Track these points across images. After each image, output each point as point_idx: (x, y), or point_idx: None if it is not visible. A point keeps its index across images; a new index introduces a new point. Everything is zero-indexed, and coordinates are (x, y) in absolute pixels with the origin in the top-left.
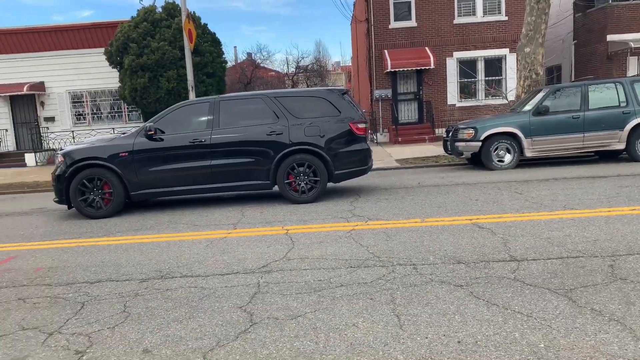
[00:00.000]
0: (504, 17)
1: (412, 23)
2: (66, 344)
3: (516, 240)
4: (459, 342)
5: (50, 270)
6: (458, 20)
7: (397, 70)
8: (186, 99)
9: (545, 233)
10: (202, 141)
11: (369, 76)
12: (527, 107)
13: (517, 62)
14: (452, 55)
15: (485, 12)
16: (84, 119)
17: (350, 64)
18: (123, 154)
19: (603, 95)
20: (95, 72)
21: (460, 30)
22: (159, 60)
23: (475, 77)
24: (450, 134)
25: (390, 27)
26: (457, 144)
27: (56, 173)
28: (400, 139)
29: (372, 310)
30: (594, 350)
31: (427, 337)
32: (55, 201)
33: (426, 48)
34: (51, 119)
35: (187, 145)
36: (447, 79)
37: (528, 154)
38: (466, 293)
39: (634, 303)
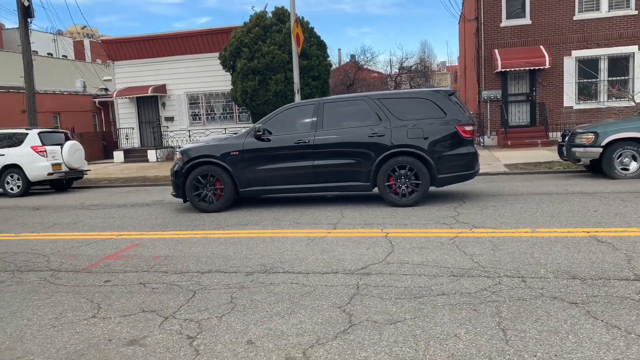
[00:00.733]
0: (633, 12)
1: (526, 20)
2: (179, 328)
3: None
4: None
5: (167, 259)
6: (579, 16)
7: (507, 70)
8: (292, 101)
9: None
10: (306, 142)
11: (477, 76)
12: None
13: None
14: (570, 54)
15: (611, 7)
16: (199, 119)
17: (457, 64)
18: (234, 153)
19: None
20: (210, 75)
21: (581, 27)
22: (268, 64)
23: (597, 78)
24: (566, 139)
25: (501, 25)
26: (575, 149)
27: (174, 169)
28: (509, 142)
29: (475, 322)
30: None
31: (535, 356)
32: (173, 195)
33: (541, 47)
34: (171, 119)
35: (292, 145)
36: (564, 79)
37: None
38: (582, 312)
39: None
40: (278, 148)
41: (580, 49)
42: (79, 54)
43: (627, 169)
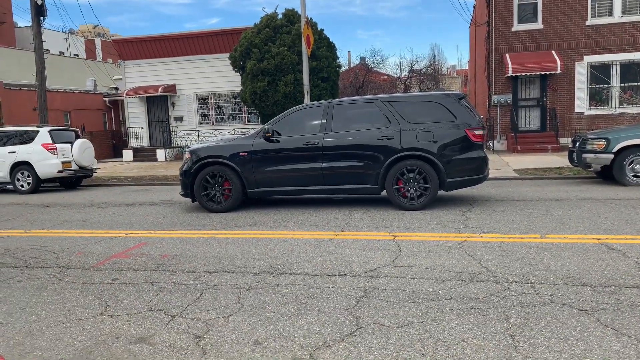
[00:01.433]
0: None
1: (538, 25)
2: (186, 327)
3: None
4: None
5: (174, 258)
6: (591, 21)
7: (518, 75)
8: (301, 103)
9: None
10: (314, 144)
11: (487, 80)
12: None
13: None
14: (582, 59)
15: (624, 12)
16: (208, 119)
17: (467, 68)
18: (243, 154)
19: None
20: (219, 76)
21: (593, 32)
22: (278, 65)
23: (609, 83)
24: (577, 144)
25: (512, 29)
26: (585, 155)
27: (183, 168)
28: (519, 147)
29: (483, 327)
30: None
31: None
32: (181, 194)
33: (552, 51)
34: (180, 119)
35: (301, 147)
36: (576, 84)
37: None
38: (591, 319)
39: None
40: (287, 149)
41: (592, 54)
42: (90, 53)
43: (639, 176)
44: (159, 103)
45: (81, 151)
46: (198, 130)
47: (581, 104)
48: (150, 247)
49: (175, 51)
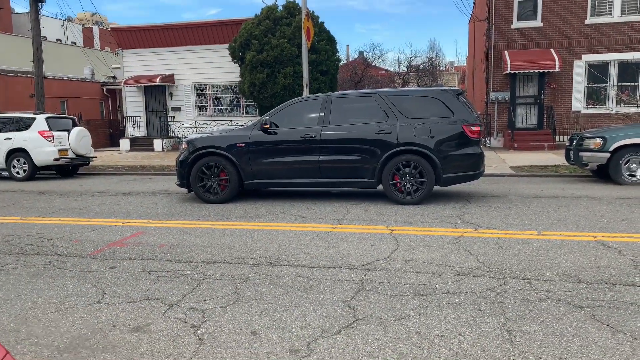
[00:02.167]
0: None
1: (537, 23)
2: (183, 317)
3: None
4: None
5: (172, 248)
6: (590, 20)
7: (517, 72)
8: (300, 95)
9: None
10: (312, 136)
11: (485, 77)
12: None
13: None
14: (580, 58)
15: (623, 12)
16: (206, 110)
17: (465, 64)
18: (240, 145)
19: None
20: (218, 66)
21: (592, 31)
22: (277, 57)
23: (607, 83)
24: (574, 143)
25: (512, 26)
26: (582, 153)
27: (180, 158)
28: (515, 144)
29: (480, 322)
30: None
31: (540, 358)
32: (177, 184)
33: (551, 49)
34: (177, 109)
35: (298, 139)
36: (574, 83)
37: None
38: (587, 315)
39: None
40: (284, 142)
41: (590, 53)
42: (88, 41)
43: (635, 175)
44: (156, 93)
45: (78, 139)
46: (195, 121)
47: (578, 102)
48: (147, 236)
49: (175, 41)
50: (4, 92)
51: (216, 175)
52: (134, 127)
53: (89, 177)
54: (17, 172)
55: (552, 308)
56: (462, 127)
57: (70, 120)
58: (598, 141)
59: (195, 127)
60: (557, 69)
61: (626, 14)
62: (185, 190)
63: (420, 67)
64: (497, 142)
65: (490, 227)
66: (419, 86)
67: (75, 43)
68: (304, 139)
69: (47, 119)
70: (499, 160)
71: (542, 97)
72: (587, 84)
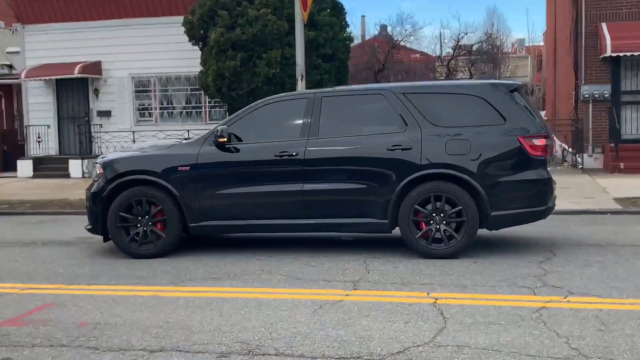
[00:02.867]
0: None
1: None
2: None
3: None
4: None
5: (97, 328)
6: None
7: (621, 54)
8: (292, 90)
9: None
10: (292, 154)
11: (574, 63)
12: None
13: None
14: None
15: None
16: (150, 115)
17: (542, 44)
18: (183, 168)
19: None
20: (168, 50)
21: None
22: (257, 35)
23: None
24: None
25: None
26: None
27: (91, 190)
28: (622, 164)
29: None
30: None
31: None
32: (88, 229)
33: None
34: (107, 114)
35: (272, 160)
36: None
37: None
38: None
39: None
40: (250, 163)
41: None
42: None
43: None
44: (75, 90)
45: None
46: (133, 132)
47: None
48: (60, 310)
49: (103, 12)
50: None
51: (149, 214)
52: (39, 142)
53: None
54: None
55: None
56: (519, 140)
57: None
58: None
59: (134, 140)
60: None
61: None
62: (101, 237)
63: (474, 48)
64: (594, 160)
65: (588, 294)
66: (471, 76)
67: None
68: (281, 159)
69: None
70: (596, 188)
71: None
72: None
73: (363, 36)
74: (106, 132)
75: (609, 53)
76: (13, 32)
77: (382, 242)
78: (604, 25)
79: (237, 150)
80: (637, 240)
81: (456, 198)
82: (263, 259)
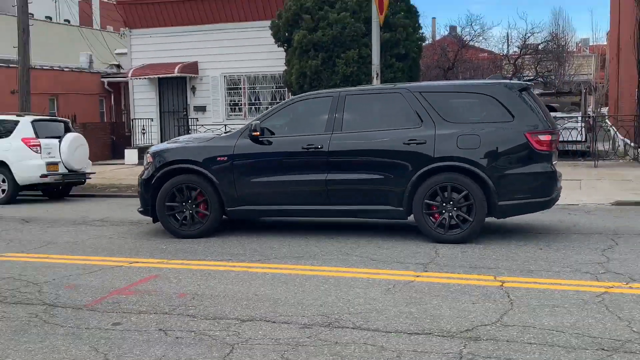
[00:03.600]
0: None
1: None
2: None
3: None
4: None
5: (195, 298)
6: None
7: None
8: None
9: None
10: (318, 147)
11: (636, 62)
12: None
13: None
14: None
15: None
16: (239, 110)
17: (606, 43)
18: (221, 159)
19: None
20: (256, 51)
21: None
22: (336, 37)
23: None
24: None
25: None
26: None
27: (143, 177)
28: None
29: None
30: None
31: None
32: (140, 211)
33: None
34: (202, 109)
35: (300, 151)
36: None
37: None
38: None
39: None
40: (280, 154)
41: None
42: (86, 19)
43: None
44: (175, 87)
45: (72, 149)
46: (225, 125)
47: None
48: (163, 281)
49: (199, 18)
50: None
51: (192, 199)
52: (144, 133)
53: (85, 201)
54: None
55: None
56: (526, 136)
57: (62, 124)
58: None
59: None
60: None
61: None
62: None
63: (540, 47)
64: None
65: None
66: (537, 73)
67: (69, 21)
68: (307, 151)
69: (33, 122)
70: None
71: None
72: None
73: (433, 37)
74: (202, 125)
75: None
76: (121, 35)
77: None
78: None
79: (269, 142)
80: None
81: (466, 188)
82: (340, 241)
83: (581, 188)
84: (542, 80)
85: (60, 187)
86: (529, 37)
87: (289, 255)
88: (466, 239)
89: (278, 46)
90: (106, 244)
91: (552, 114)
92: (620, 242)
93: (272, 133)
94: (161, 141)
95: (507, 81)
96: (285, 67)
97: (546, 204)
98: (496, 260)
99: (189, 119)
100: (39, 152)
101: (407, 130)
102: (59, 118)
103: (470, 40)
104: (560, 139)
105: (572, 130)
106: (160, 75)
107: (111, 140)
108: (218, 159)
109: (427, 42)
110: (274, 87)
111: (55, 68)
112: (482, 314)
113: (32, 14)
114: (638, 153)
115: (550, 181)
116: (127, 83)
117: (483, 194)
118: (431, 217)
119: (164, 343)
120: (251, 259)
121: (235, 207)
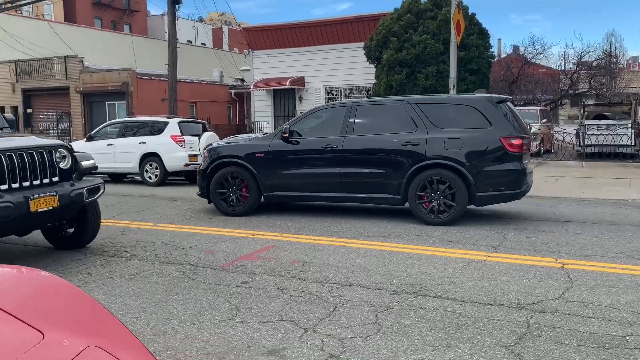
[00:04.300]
0: None
1: None
2: (320, 344)
3: None
4: None
5: (304, 265)
6: None
7: None
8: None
9: None
10: (333, 147)
11: None
12: None
13: None
14: None
15: None
16: None
17: None
18: (259, 154)
19: None
20: (351, 67)
21: None
22: (418, 55)
23: None
24: None
25: None
26: None
27: (200, 168)
28: None
29: None
30: None
31: None
32: (198, 194)
33: None
34: None
35: (319, 149)
36: None
37: None
38: None
39: None
40: (304, 151)
41: None
42: (217, 42)
43: None
44: (286, 97)
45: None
46: None
47: None
48: (279, 250)
49: (306, 41)
50: (137, 95)
51: (237, 186)
52: (262, 133)
53: None
54: (149, 177)
55: None
56: (501, 140)
57: (201, 125)
58: None
59: None
60: None
61: None
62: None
63: (594, 64)
64: None
65: None
66: (590, 86)
67: (204, 44)
68: (325, 149)
69: (179, 123)
70: None
71: None
72: None
73: (499, 54)
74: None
75: None
76: (245, 55)
77: (516, 219)
78: None
79: (297, 142)
80: None
81: (450, 181)
82: (421, 224)
83: (631, 186)
84: (595, 92)
85: None
86: (584, 55)
87: (379, 234)
88: (451, 222)
89: (369, 63)
90: (232, 219)
91: (604, 121)
92: None
93: (300, 135)
94: None
95: (488, 95)
96: (375, 81)
97: (516, 195)
98: (557, 245)
99: None
100: (183, 146)
101: (405, 134)
102: (198, 120)
103: (532, 58)
104: (612, 143)
105: (623, 135)
106: (275, 87)
107: None
108: (257, 154)
109: (495, 59)
110: (365, 97)
111: (194, 81)
112: (545, 290)
113: (178, 39)
114: None
115: (520, 177)
116: (249, 93)
117: (465, 186)
118: (422, 205)
119: (281, 299)
120: (348, 236)
121: (269, 192)
